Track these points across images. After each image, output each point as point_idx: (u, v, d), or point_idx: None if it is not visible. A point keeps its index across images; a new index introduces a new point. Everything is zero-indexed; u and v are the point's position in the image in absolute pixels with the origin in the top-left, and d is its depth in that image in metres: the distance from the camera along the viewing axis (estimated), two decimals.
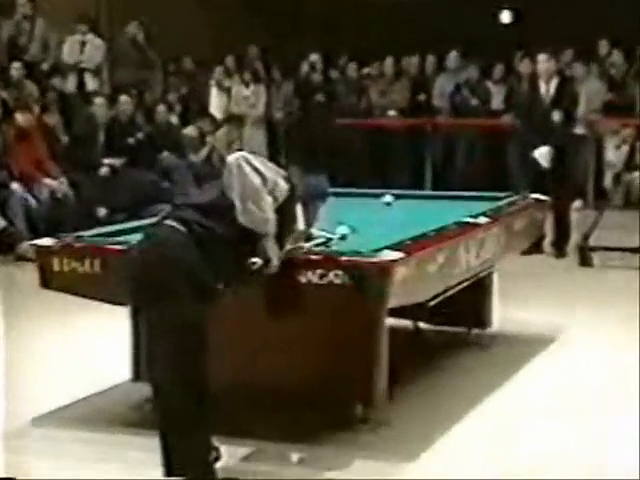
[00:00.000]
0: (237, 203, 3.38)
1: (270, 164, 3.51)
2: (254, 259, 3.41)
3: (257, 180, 3.38)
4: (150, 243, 3.40)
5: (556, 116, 7.66)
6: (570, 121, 7.81)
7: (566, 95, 7.79)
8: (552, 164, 7.67)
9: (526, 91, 8.40)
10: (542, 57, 7.80)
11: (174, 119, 10.54)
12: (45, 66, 10.38)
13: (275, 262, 3.48)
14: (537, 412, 4.29)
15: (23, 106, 8.60)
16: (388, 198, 5.34)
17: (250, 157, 3.45)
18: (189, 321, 3.29)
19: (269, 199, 3.40)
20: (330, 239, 4.02)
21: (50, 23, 10.66)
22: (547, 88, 7.77)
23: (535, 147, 7.69)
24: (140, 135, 9.47)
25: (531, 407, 4.36)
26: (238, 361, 4.01)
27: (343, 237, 4.11)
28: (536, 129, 7.71)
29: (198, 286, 3.28)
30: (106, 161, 8.94)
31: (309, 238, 3.90)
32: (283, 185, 3.45)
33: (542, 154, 7.64)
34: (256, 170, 3.40)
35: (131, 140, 9.27)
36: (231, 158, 3.46)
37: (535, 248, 6.78)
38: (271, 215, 3.41)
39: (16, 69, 9.60)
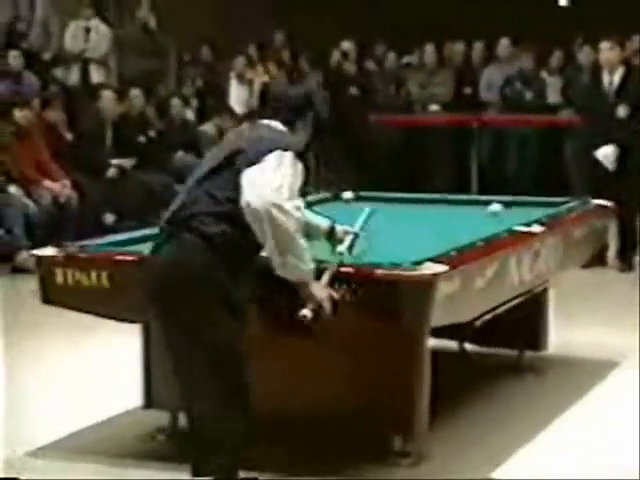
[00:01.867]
0: (274, 257, 3.40)
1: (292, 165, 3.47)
2: (304, 312, 3.45)
3: (293, 226, 3.37)
4: (171, 260, 3.43)
5: (621, 111, 7.60)
6: (637, 117, 7.71)
7: (633, 87, 7.70)
8: (617, 165, 7.64)
9: (587, 83, 8.34)
10: (605, 45, 7.70)
11: (190, 114, 10.61)
12: (47, 56, 10.49)
13: (327, 305, 3.51)
14: (600, 446, 4.27)
15: (22, 101, 8.69)
16: (496, 207, 4.99)
17: (281, 198, 3.35)
18: (229, 342, 3.37)
19: (305, 244, 3.45)
20: (357, 234, 3.98)
21: (52, 6, 10.77)
22: (611, 79, 7.69)
23: (597, 146, 7.65)
24: (152, 133, 9.55)
25: (593, 440, 4.34)
26: (264, 390, 4.03)
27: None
28: (598, 126, 7.66)
29: (229, 303, 3.36)
30: (114, 162, 9.01)
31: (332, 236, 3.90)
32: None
33: (606, 154, 7.62)
34: (289, 214, 3.35)
35: (142, 138, 9.35)
36: (257, 203, 3.32)
37: (597, 260, 6.74)
38: (311, 264, 3.46)
39: (14, 58, 9.70)
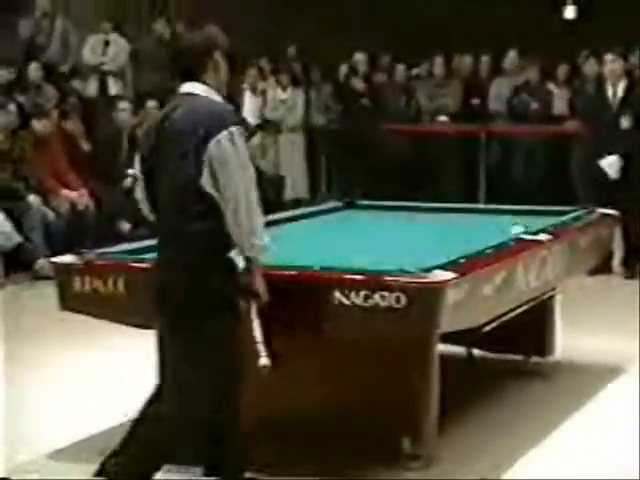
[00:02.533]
0: (247, 239, 3.42)
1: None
2: (263, 362, 3.51)
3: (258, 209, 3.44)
4: (166, 263, 3.48)
5: (624, 122, 7.65)
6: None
7: (636, 99, 7.75)
8: (620, 174, 7.66)
9: (591, 94, 8.41)
10: (609, 57, 7.81)
11: None
12: (65, 68, 10.53)
13: (265, 295, 3.55)
14: (604, 451, 4.25)
15: (41, 112, 8.72)
16: (518, 229, 4.64)
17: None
18: (228, 340, 3.41)
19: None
20: None
21: (71, 20, 10.81)
22: (614, 91, 7.76)
23: (601, 156, 7.66)
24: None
25: (598, 445, 4.32)
26: (274, 392, 4.03)
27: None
28: (602, 136, 7.71)
29: (227, 301, 3.42)
30: (130, 171, 9.01)
31: None
32: None
33: (610, 164, 7.65)
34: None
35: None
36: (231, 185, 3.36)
37: (603, 267, 6.72)
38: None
39: (34, 70, 9.74)
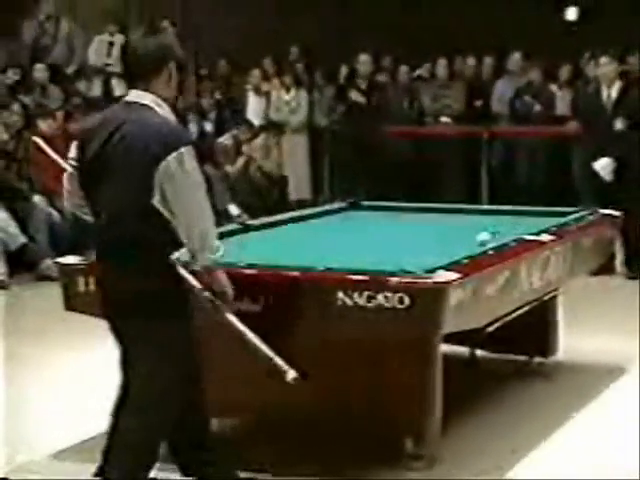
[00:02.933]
0: (199, 249, 3.43)
1: None
2: (291, 375, 3.43)
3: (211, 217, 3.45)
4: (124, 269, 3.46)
5: (619, 124, 7.64)
6: (635, 129, 7.69)
7: (630, 101, 7.70)
8: (614, 176, 7.66)
9: (587, 96, 8.39)
10: (603, 60, 7.79)
11: (208, 126, 10.63)
12: (70, 69, 10.54)
13: (230, 292, 3.53)
14: (607, 451, 4.24)
15: (46, 112, 8.72)
16: (485, 236, 4.44)
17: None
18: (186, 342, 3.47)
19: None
20: None
21: (75, 23, 10.83)
22: (609, 93, 7.74)
23: (596, 158, 7.69)
24: None
25: (600, 445, 4.31)
26: (276, 392, 4.03)
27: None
28: (598, 138, 7.73)
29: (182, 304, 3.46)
30: None
31: None
32: None
33: (603, 166, 7.68)
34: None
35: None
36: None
37: (606, 268, 6.70)
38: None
39: (40, 71, 9.75)
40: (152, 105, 3.40)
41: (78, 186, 3.53)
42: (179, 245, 3.40)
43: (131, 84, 3.47)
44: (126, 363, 3.54)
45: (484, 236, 4.32)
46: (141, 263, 3.38)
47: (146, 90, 3.41)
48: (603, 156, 7.65)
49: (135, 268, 3.38)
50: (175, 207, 3.33)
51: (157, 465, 3.64)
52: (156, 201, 3.33)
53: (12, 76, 9.64)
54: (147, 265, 3.38)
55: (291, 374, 3.40)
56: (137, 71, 3.44)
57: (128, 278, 3.39)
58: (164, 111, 3.42)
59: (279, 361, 3.42)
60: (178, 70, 3.47)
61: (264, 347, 3.45)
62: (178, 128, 3.46)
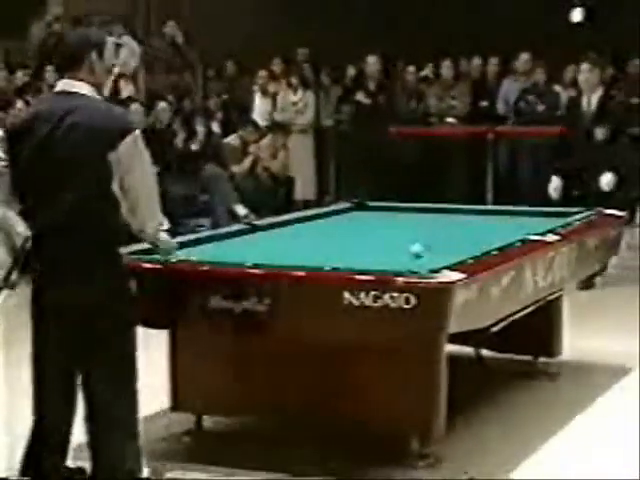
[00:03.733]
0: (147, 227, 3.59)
1: None
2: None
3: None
4: None
5: (599, 134, 7.22)
6: (616, 140, 7.25)
7: (610, 110, 7.28)
8: (561, 194, 7.36)
9: (567, 104, 7.99)
10: (584, 66, 7.44)
11: (215, 127, 10.63)
12: None
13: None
14: (611, 451, 4.24)
15: None
16: (417, 248, 4.16)
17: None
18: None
19: None
20: None
21: (84, 25, 10.84)
22: (589, 101, 7.35)
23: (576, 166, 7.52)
24: (179, 145, 9.59)
25: (605, 445, 4.31)
26: (282, 391, 4.04)
27: (418, 256, 4.05)
28: (577, 147, 7.29)
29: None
30: None
31: None
32: None
33: (554, 187, 7.34)
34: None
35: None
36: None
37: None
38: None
39: (50, 73, 9.76)
40: (87, 93, 3.49)
41: (11, 186, 3.54)
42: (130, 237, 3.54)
43: (60, 74, 3.58)
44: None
45: (417, 248, 4.09)
46: (98, 259, 3.45)
47: (74, 78, 3.50)
48: (555, 173, 7.30)
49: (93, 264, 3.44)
50: (127, 183, 3.43)
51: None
52: (115, 187, 3.43)
53: (22, 77, 9.65)
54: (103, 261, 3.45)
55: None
56: (63, 62, 3.56)
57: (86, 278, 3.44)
58: (97, 97, 3.53)
59: None
60: (101, 59, 3.54)
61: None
62: (125, 112, 3.61)
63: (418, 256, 4.06)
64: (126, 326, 3.53)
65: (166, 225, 3.66)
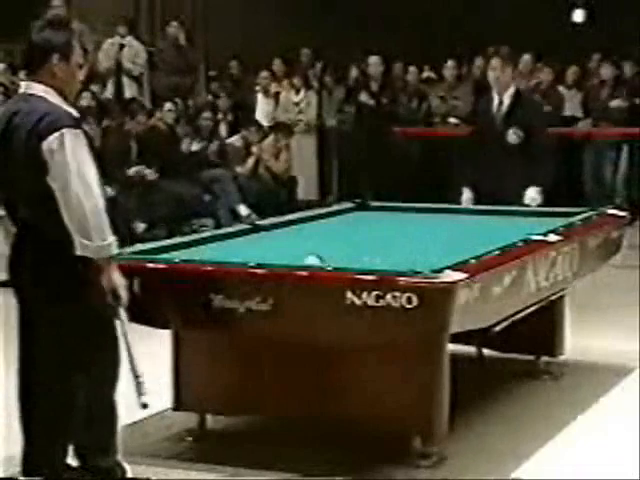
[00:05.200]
0: (83, 237, 3.48)
1: None
2: (143, 401, 3.47)
3: (99, 206, 3.48)
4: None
5: (511, 137, 6.11)
6: (530, 144, 6.12)
7: (521, 111, 6.19)
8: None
9: (480, 104, 6.82)
10: (494, 62, 6.38)
11: (221, 127, 10.64)
12: (81, 72, 10.57)
13: (124, 293, 3.55)
14: (615, 451, 4.24)
15: None
16: (312, 260, 3.97)
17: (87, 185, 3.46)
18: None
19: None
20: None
21: (85, 24, 10.85)
22: (501, 100, 6.24)
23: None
24: (184, 145, 9.61)
25: (608, 445, 4.31)
26: (285, 391, 4.04)
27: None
28: (487, 153, 6.19)
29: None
30: (131, 170, 9.01)
31: None
32: None
33: (465, 199, 6.21)
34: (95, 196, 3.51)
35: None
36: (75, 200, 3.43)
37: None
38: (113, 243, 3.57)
39: None
40: (42, 94, 3.52)
41: None
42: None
43: (27, 76, 3.63)
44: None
45: (312, 260, 3.92)
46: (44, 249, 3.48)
47: (34, 80, 3.55)
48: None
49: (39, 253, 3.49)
50: (55, 186, 3.41)
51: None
52: (47, 179, 3.42)
53: (24, 77, 9.65)
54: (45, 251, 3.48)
55: (142, 400, 3.44)
56: (26, 64, 3.61)
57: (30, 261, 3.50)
58: (55, 99, 3.52)
59: (140, 383, 3.46)
60: (65, 62, 3.55)
61: (135, 364, 3.47)
62: (62, 112, 3.51)
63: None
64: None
65: (112, 245, 3.47)
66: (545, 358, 5.27)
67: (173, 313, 3.92)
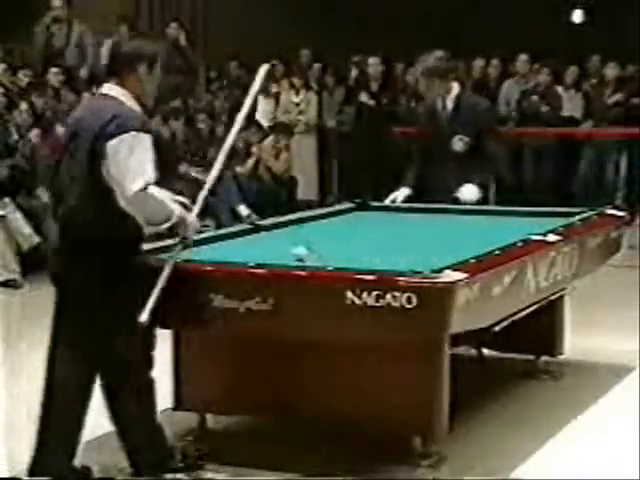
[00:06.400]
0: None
1: None
2: (143, 317, 3.58)
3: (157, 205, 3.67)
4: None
5: (456, 144, 5.68)
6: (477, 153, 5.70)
7: (464, 114, 5.71)
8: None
9: (424, 107, 6.21)
10: (420, 78, 5.95)
11: (219, 128, 10.63)
12: (83, 72, 10.57)
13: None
14: (615, 450, 4.24)
15: (64, 118, 8.70)
16: (301, 250, 4.01)
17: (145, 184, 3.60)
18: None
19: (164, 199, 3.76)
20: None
21: (86, 25, 10.85)
22: (444, 104, 5.78)
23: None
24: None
25: (608, 445, 4.30)
26: (285, 391, 4.04)
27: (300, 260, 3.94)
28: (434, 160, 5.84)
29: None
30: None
31: None
32: None
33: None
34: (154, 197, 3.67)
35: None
36: (130, 199, 3.60)
37: None
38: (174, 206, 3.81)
39: (54, 75, 9.75)
40: (117, 96, 3.68)
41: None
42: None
43: (106, 79, 3.77)
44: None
45: (300, 250, 3.95)
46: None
47: (117, 84, 3.71)
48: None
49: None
50: (114, 184, 3.56)
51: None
52: (105, 174, 3.57)
53: (22, 77, 9.65)
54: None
55: (143, 317, 3.55)
56: (110, 67, 3.77)
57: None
58: (130, 103, 3.68)
59: (150, 302, 3.58)
60: (150, 71, 3.75)
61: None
62: (133, 115, 3.65)
63: (299, 259, 3.92)
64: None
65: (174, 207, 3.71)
66: (545, 358, 5.27)
67: (173, 313, 3.91)
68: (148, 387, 3.80)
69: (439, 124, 5.76)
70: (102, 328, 3.65)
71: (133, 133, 3.55)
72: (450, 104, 5.74)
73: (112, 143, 3.53)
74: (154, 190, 3.60)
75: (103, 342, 3.67)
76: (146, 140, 3.59)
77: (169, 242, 3.96)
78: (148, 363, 3.78)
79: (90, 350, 3.69)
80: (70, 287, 3.69)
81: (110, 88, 3.71)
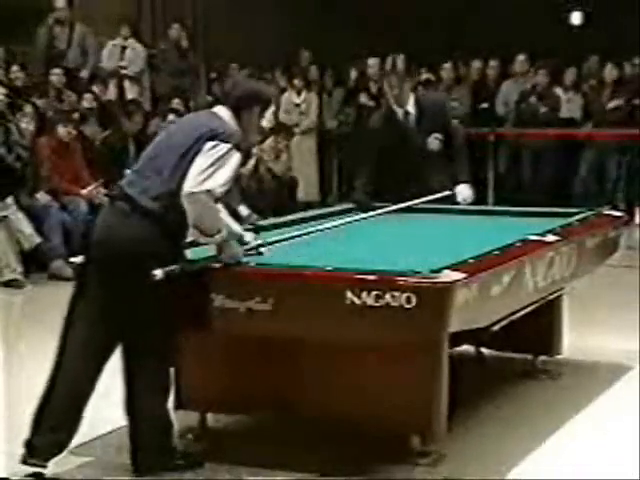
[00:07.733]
0: (203, 237, 3.87)
1: None
2: (156, 272, 3.64)
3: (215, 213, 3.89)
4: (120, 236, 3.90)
5: (432, 143, 5.78)
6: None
7: (429, 114, 5.80)
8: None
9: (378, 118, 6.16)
10: (393, 81, 5.91)
11: None
12: (84, 73, 10.58)
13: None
14: (614, 450, 4.23)
15: (66, 119, 8.69)
16: (249, 237, 4.20)
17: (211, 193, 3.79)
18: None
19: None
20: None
21: (88, 27, 10.86)
22: (405, 112, 5.86)
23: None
24: None
25: (607, 444, 4.29)
26: (285, 390, 4.03)
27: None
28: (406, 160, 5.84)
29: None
30: (127, 171, 8.99)
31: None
32: None
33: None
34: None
35: None
36: (192, 197, 3.75)
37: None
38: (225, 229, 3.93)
39: (56, 76, 9.76)
40: (227, 119, 3.86)
41: None
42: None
43: (218, 103, 3.97)
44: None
45: (249, 237, 4.15)
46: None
47: (228, 110, 3.89)
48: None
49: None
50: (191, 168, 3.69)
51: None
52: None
53: (24, 78, 9.66)
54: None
55: (158, 272, 3.63)
56: (228, 98, 3.93)
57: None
58: (236, 128, 3.85)
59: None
60: (262, 113, 3.97)
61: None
62: (236, 134, 3.81)
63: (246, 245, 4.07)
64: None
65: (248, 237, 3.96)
66: (543, 357, 5.27)
67: (174, 313, 3.90)
68: (168, 386, 3.87)
69: (401, 129, 5.83)
70: (142, 320, 3.75)
71: (231, 147, 3.71)
72: (412, 110, 5.85)
73: (212, 143, 3.69)
74: (215, 204, 3.78)
75: (142, 333, 3.76)
76: (235, 159, 3.74)
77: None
78: (171, 363, 3.88)
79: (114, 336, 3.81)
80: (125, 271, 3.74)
81: (221, 110, 3.88)
